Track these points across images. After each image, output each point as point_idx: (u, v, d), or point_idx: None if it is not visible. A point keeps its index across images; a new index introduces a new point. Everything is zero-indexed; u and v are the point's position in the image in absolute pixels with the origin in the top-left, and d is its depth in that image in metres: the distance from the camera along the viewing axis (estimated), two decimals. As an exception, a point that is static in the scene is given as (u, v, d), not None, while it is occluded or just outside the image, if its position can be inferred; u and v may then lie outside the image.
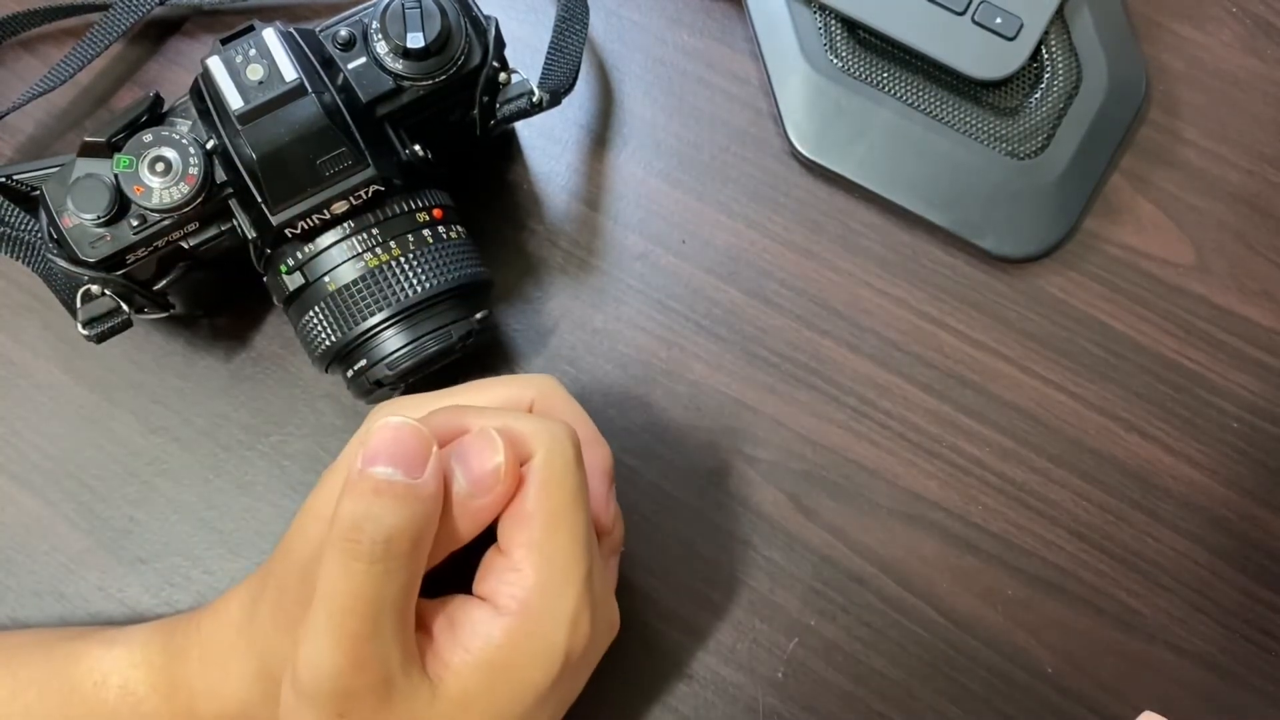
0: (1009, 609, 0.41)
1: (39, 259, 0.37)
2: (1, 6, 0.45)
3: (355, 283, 0.37)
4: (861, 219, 0.44)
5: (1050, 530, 0.41)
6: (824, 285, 0.44)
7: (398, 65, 0.36)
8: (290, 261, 0.37)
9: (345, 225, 0.37)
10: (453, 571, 0.32)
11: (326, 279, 0.37)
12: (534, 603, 0.30)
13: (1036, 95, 0.43)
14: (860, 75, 0.44)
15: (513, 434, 0.30)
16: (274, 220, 0.35)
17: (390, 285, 0.37)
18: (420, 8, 0.36)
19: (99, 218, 0.35)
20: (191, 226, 0.37)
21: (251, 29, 0.35)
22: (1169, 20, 0.45)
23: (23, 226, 0.37)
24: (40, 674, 0.36)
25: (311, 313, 0.37)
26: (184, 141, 0.35)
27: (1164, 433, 0.42)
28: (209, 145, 0.36)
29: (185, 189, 0.35)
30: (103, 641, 0.36)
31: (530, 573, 0.30)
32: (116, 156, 0.35)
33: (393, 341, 0.37)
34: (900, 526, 0.42)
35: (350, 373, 0.38)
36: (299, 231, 0.36)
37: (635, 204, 0.45)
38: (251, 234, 0.37)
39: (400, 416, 0.29)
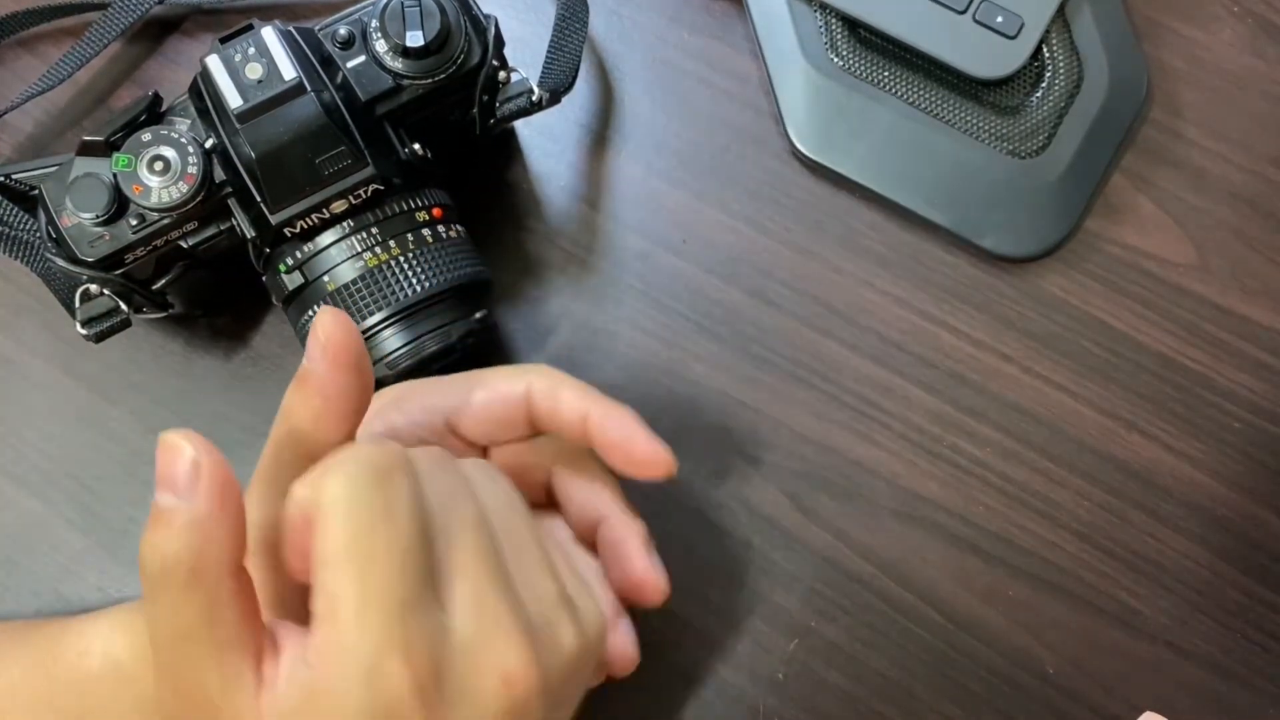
0: (1010, 609, 0.41)
1: (38, 258, 0.37)
2: (1, 6, 0.45)
3: (354, 282, 0.37)
4: (862, 218, 0.44)
5: (1051, 530, 0.41)
6: (825, 285, 0.44)
7: (397, 64, 0.36)
8: (289, 261, 0.37)
9: (344, 224, 0.37)
10: None
11: (326, 278, 0.37)
12: (326, 655, 0.26)
13: (1037, 94, 0.43)
14: (861, 74, 0.44)
15: (315, 469, 0.28)
16: (273, 219, 0.35)
17: (389, 284, 0.37)
18: (420, 6, 0.36)
19: (98, 217, 0.35)
20: (190, 226, 0.37)
21: (250, 28, 0.35)
22: (1170, 19, 0.45)
23: (21, 226, 0.37)
24: (25, 650, 0.36)
25: (311, 312, 0.37)
26: (183, 140, 0.35)
27: (1165, 432, 0.42)
28: (208, 144, 0.36)
29: (184, 188, 0.35)
30: (88, 617, 0.36)
31: (323, 621, 0.26)
32: (115, 155, 0.35)
33: (392, 341, 0.37)
34: (901, 527, 0.42)
35: (350, 372, 0.38)
36: (298, 231, 0.36)
37: (635, 204, 0.45)
38: (250, 233, 0.37)
39: (175, 433, 0.27)
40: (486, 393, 0.35)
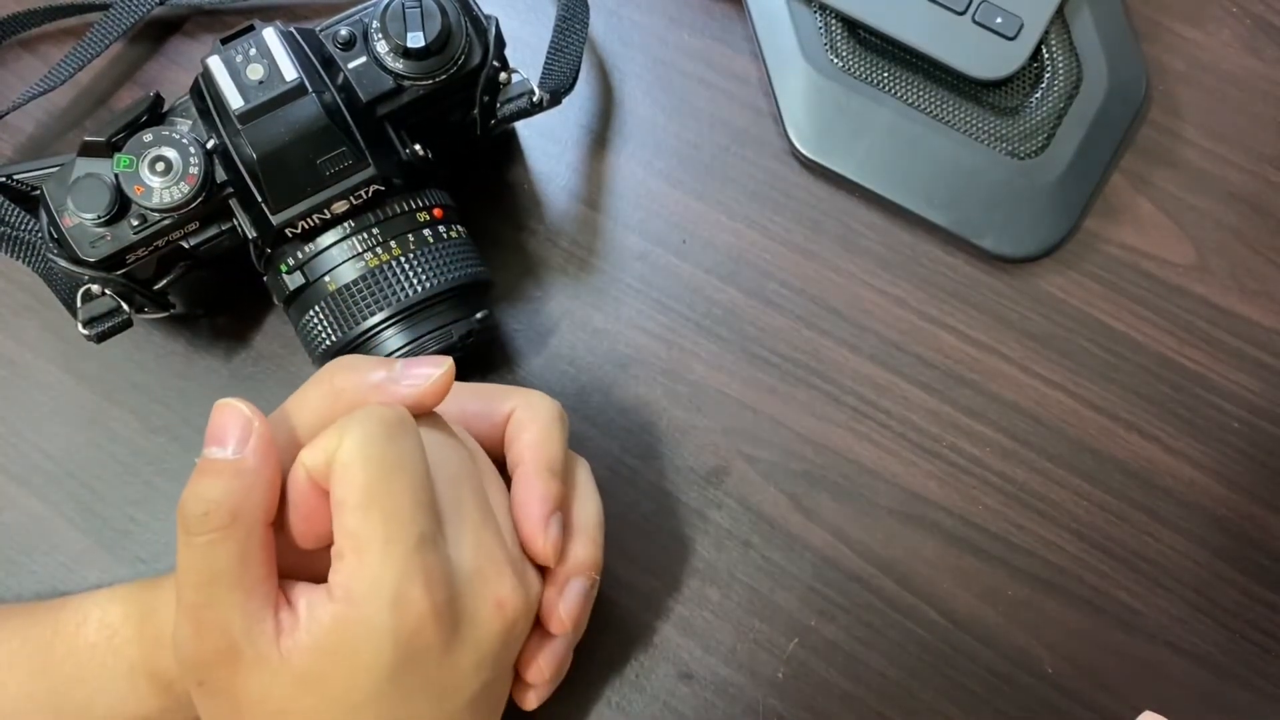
0: (1009, 609, 0.41)
1: (39, 259, 0.37)
2: (1, 6, 0.45)
3: (355, 282, 0.37)
4: (862, 219, 0.44)
5: (1050, 530, 0.41)
6: (824, 285, 0.44)
7: (398, 65, 0.36)
8: (290, 261, 0.37)
9: (345, 225, 0.37)
10: None
11: (327, 279, 0.37)
12: (354, 588, 0.29)
13: (1037, 95, 0.43)
14: (861, 75, 0.44)
15: (326, 434, 0.31)
16: (274, 220, 0.35)
17: (390, 285, 0.37)
18: (420, 7, 0.36)
19: (99, 217, 0.35)
20: (192, 226, 0.37)
21: (251, 29, 0.35)
22: (1169, 20, 0.45)
23: (23, 226, 0.37)
24: (26, 625, 0.37)
25: (312, 312, 0.37)
26: (184, 141, 0.35)
27: (1164, 432, 0.42)
28: (209, 145, 0.36)
29: (185, 188, 0.35)
30: (86, 593, 0.38)
31: (349, 558, 0.30)
32: (117, 156, 0.35)
33: (393, 341, 0.37)
34: (900, 526, 0.42)
35: (350, 372, 0.38)
36: (299, 231, 0.36)
37: (635, 204, 0.45)
38: (252, 234, 0.37)
39: (233, 399, 0.31)
40: (479, 404, 0.36)
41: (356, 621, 0.29)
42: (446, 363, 0.33)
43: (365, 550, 0.29)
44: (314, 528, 0.31)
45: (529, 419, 0.35)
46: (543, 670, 0.35)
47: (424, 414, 0.33)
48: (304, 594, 0.30)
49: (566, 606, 0.35)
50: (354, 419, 0.30)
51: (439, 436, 0.33)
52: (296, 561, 0.32)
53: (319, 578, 0.31)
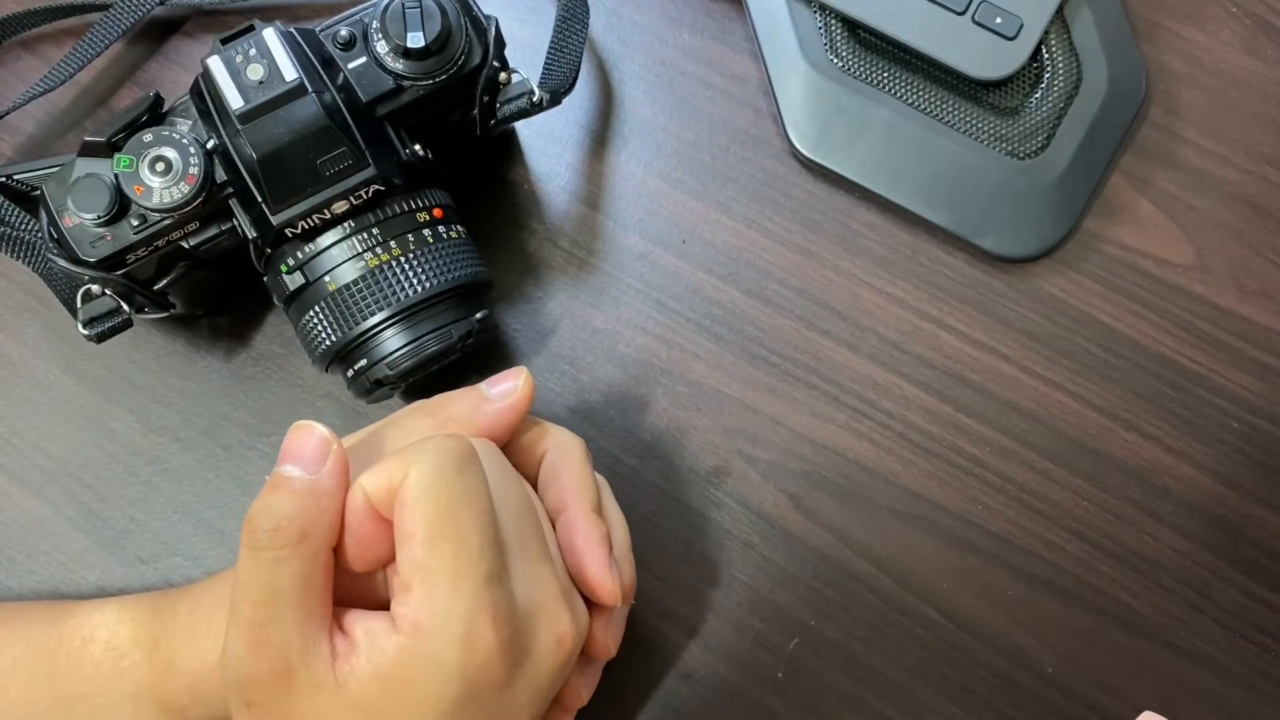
0: (1009, 609, 0.41)
1: (39, 259, 0.37)
2: (1, 6, 0.45)
3: (355, 282, 0.37)
4: (861, 219, 0.44)
5: (1050, 530, 0.41)
6: (824, 285, 0.44)
7: (398, 65, 0.36)
8: (290, 261, 0.37)
9: (345, 225, 0.37)
10: None
11: (327, 279, 0.37)
12: (422, 621, 0.29)
13: (1037, 95, 0.43)
14: (860, 75, 0.44)
15: (389, 461, 0.31)
16: (274, 220, 0.35)
17: (390, 285, 0.37)
18: (420, 7, 0.36)
19: (99, 217, 0.35)
20: (192, 226, 0.37)
21: (252, 29, 0.35)
22: (1169, 20, 0.45)
23: (23, 226, 0.37)
24: (30, 630, 0.37)
25: (312, 312, 0.37)
26: (184, 141, 0.35)
27: (1164, 432, 0.42)
28: (209, 145, 0.36)
29: (185, 189, 0.35)
30: (94, 603, 0.37)
31: (417, 591, 0.29)
32: (117, 156, 0.35)
33: (393, 341, 0.37)
34: (900, 526, 0.42)
35: (350, 372, 0.38)
36: (299, 231, 0.36)
37: (635, 204, 0.45)
38: (252, 234, 0.37)
39: (310, 421, 0.31)
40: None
41: (423, 655, 0.29)
42: (523, 372, 0.34)
43: (434, 584, 0.29)
44: (368, 552, 0.31)
45: (564, 462, 0.36)
46: (583, 695, 0.36)
47: (490, 441, 0.34)
48: (360, 621, 0.30)
49: (615, 635, 0.36)
50: (422, 449, 0.30)
51: (498, 467, 0.33)
52: (342, 585, 0.31)
53: (365, 603, 0.31)
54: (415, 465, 0.30)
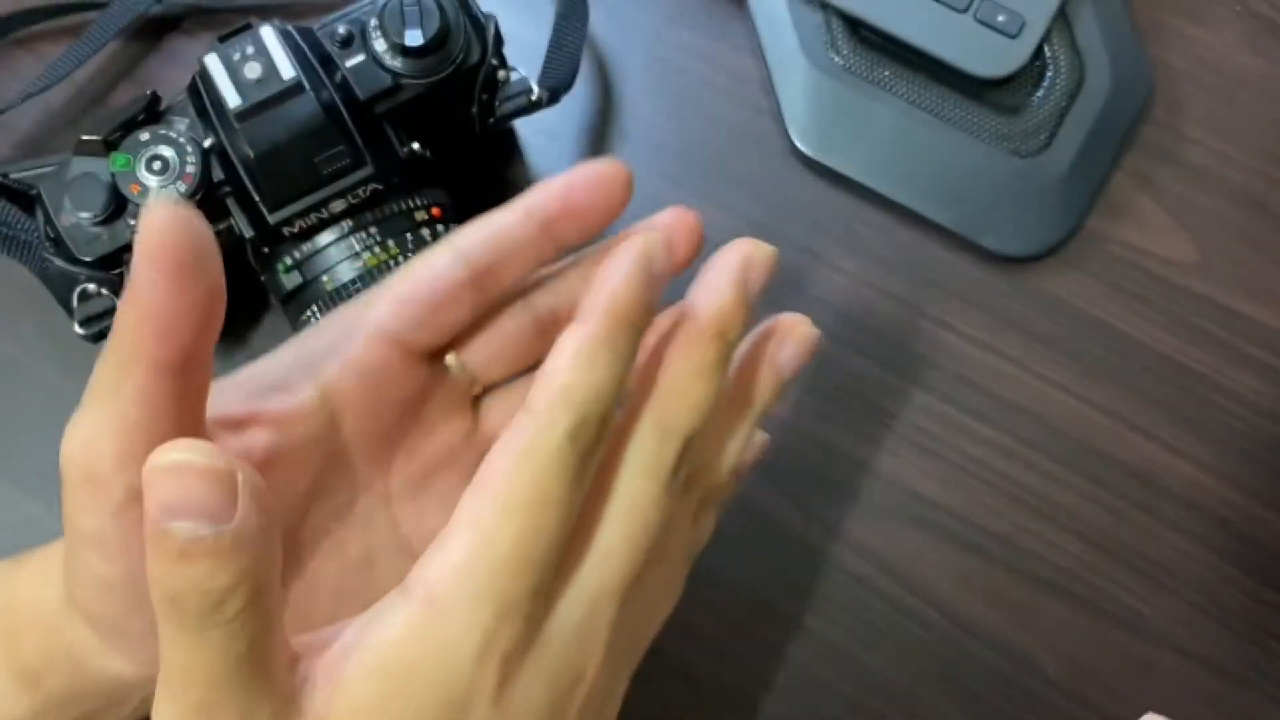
0: (1011, 610, 0.41)
1: (35, 258, 0.37)
2: (-1, 4, 0.45)
3: (353, 281, 0.36)
4: (863, 218, 0.44)
5: (1052, 531, 0.41)
6: (825, 285, 0.43)
7: (396, 63, 0.36)
8: (288, 260, 0.37)
9: (343, 224, 0.36)
10: None
11: (324, 278, 0.37)
12: (446, 590, 0.22)
13: (1039, 93, 0.43)
14: (862, 73, 0.43)
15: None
16: (271, 219, 0.35)
17: (389, 284, 0.36)
18: (419, 5, 0.36)
19: (96, 217, 0.35)
20: (189, 225, 0.37)
21: (249, 27, 0.35)
22: (1173, 18, 0.45)
23: (19, 225, 0.37)
24: None
25: (309, 311, 0.37)
26: (181, 140, 0.35)
27: (1167, 432, 0.42)
28: (206, 144, 0.36)
29: (182, 188, 0.35)
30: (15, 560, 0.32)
31: (455, 551, 0.23)
32: (113, 155, 0.35)
33: (391, 341, 0.37)
34: (901, 527, 0.41)
35: (348, 372, 0.38)
36: (297, 230, 0.36)
37: (635, 203, 0.44)
38: (249, 233, 0.37)
39: (176, 449, 0.21)
40: (403, 282, 0.30)
41: (432, 637, 0.23)
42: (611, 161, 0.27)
43: (486, 553, 0.23)
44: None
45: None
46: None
47: None
48: (328, 631, 0.25)
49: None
50: (567, 386, 0.24)
51: None
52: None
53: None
54: (546, 403, 0.23)
